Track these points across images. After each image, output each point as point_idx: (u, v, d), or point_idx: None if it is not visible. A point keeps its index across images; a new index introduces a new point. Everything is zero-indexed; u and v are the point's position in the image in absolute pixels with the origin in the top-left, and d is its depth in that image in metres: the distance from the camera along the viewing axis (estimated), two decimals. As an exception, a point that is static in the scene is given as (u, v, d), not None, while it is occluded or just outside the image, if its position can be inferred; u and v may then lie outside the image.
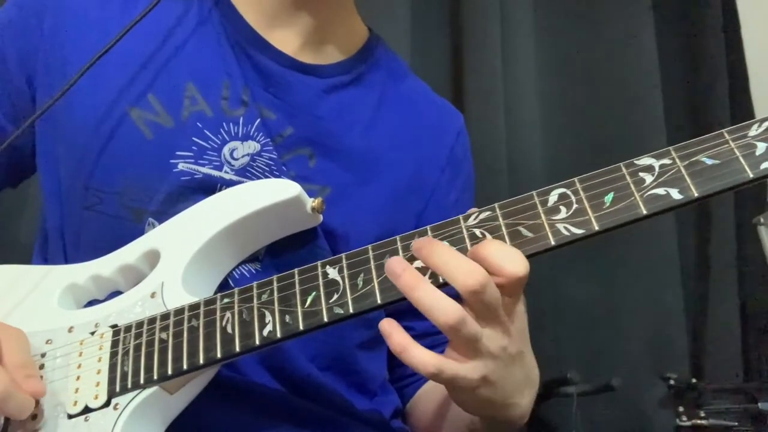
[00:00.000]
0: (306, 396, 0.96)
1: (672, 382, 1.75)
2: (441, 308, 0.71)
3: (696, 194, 0.69)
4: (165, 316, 0.83)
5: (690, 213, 2.06)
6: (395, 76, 1.14)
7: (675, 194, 0.70)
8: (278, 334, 0.77)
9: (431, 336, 1.09)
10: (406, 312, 1.07)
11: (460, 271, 0.71)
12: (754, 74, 2.10)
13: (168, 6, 1.01)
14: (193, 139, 0.95)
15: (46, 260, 1.03)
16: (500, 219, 0.75)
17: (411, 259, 0.76)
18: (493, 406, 0.80)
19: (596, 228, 0.71)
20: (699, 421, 1.66)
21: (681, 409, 1.69)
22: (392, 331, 0.74)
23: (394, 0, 1.89)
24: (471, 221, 0.76)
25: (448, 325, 0.71)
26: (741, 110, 2.05)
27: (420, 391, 1.10)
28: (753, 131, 0.69)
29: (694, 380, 1.75)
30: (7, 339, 0.80)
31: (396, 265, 0.74)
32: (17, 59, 1.01)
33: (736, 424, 1.65)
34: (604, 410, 1.86)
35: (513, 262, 0.71)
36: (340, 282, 0.77)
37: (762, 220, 1.56)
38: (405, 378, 1.11)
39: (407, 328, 1.08)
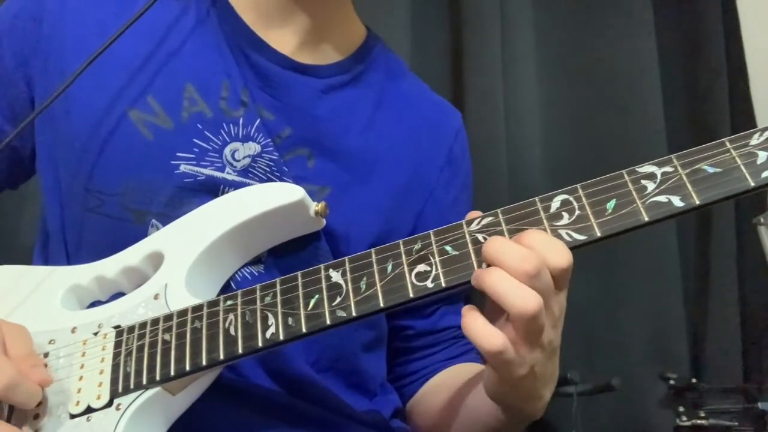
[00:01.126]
0: (306, 397, 0.97)
1: (672, 382, 1.75)
2: (522, 295, 0.70)
3: (697, 202, 0.69)
4: (168, 318, 0.83)
5: (690, 213, 2.05)
6: (393, 75, 1.14)
7: (677, 201, 0.70)
8: (281, 336, 0.78)
9: (432, 334, 1.10)
10: (409, 312, 1.08)
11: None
12: (754, 74, 2.10)
13: (166, 7, 1.01)
14: (194, 140, 0.95)
15: (47, 262, 1.03)
16: (503, 224, 0.75)
17: (415, 262, 0.76)
18: (524, 397, 0.81)
19: (598, 234, 0.72)
20: (699, 421, 1.66)
21: (681, 409, 1.70)
22: (468, 309, 0.74)
23: (393, 0, 1.89)
24: (474, 226, 0.76)
25: (529, 314, 0.70)
26: (741, 110, 2.05)
27: (423, 389, 1.10)
28: (754, 140, 0.69)
29: (694, 380, 1.75)
30: (10, 332, 0.81)
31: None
32: (16, 61, 1.01)
33: (736, 424, 1.65)
34: (604, 410, 1.86)
35: (559, 254, 0.72)
36: (343, 285, 0.78)
37: (762, 220, 1.56)
38: (405, 377, 1.12)
39: (406, 327, 1.09)
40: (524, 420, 0.88)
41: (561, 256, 0.72)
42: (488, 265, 0.73)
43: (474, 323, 0.73)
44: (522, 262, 0.70)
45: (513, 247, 0.71)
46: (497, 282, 0.71)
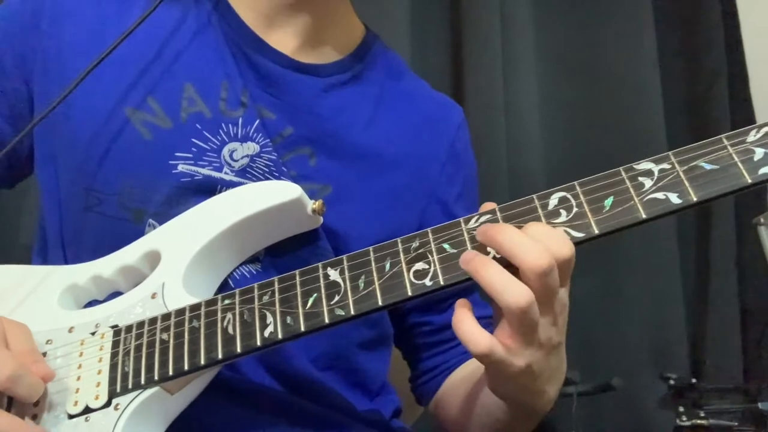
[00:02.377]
0: (306, 396, 0.96)
1: (672, 382, 1.75)
2: (512, 290, 0.70)
3: (695, 199, 0.69)
4: (166, 317, 0.83)
5: (690, 213, 2.06)
6: (393, 73, 1.14)
7: (674, 198, 0.70)
8: (279, 335, 0.77)
9: (450, 329, 1.09)
10: (424, 308, 1.07)
11: (530, 251, 0.69)
12: (754, 74, 2.11)
13: (166, 7, 1.01)
14: (192, 140, 0.95)
15: (45, 262, 1.02)
16: (501, 222, 0.75)
17: (413, 260, 0.76)
18: (525, 392, 0.80)
19: (596, 232, 0.71)
20: (699, 421, 1.66)
21: (681, 409, 1.70)
22: (459, 306, 0.74)
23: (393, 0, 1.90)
24: (472, 224, 0.76)
25: (519, 308, 0.70)
26: (741, 110, 2.06)
27: (446, 384, 1.09)
28: (751, 137, 0.69)
29: (694, 380, 1.76)
30: (11, 328, 0.81)
31: (467, 253, 0.73)
32: (15, 60, 1.01)
33: (736, 424, 1.65)
34: (604, 410, 1.86)
35: (562, 243, 0.71)
36: (341, 283, 0.78)
37: (762, 220, 1.56)
38: (428, 372, 1.10)
39: (425, 323, 1.08)
40: (532, 414, 0.87)
41: (565, 247, 0.71)
42: (486, 250, 0.73)
43: (461, 325, 0.73)
44: (538, 259, 0.69)
45: (529, 243, 0.70)
46: (493, 276, 0.71)
